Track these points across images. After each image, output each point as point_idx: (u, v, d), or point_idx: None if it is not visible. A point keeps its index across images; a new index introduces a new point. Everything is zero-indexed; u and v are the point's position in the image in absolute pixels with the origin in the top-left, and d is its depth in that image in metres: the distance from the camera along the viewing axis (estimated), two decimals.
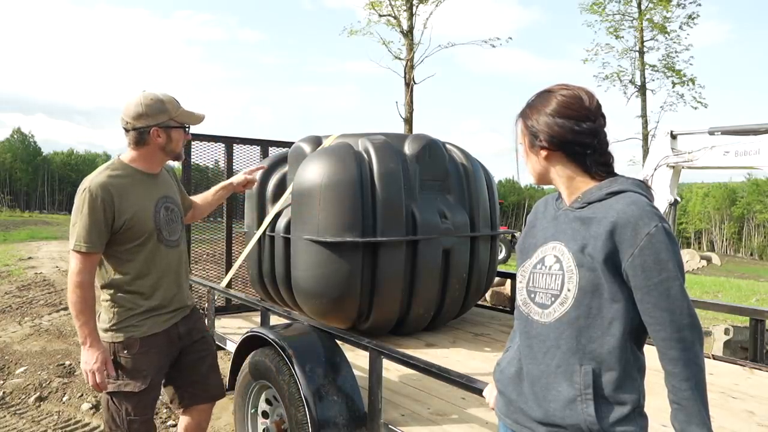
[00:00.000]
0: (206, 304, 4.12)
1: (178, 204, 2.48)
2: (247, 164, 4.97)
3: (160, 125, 2.26)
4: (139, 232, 2.24)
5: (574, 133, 1.38)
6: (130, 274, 2.25)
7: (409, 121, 15.00)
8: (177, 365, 2.47)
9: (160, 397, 2.48)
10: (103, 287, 2.29)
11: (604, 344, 1.31)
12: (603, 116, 1.42)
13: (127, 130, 2.27)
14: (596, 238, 1.31)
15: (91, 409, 4.48)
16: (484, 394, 1.75)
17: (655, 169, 5.39)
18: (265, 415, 2.99)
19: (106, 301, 2.27)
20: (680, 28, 19.19)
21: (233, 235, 4.88)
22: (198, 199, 2.83)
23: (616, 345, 1.31)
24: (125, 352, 2.25)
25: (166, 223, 2.35)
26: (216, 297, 4.10)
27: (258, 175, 2.95)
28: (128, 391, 2.24)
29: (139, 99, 2.25)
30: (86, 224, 2.13)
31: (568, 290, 1.33)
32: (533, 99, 1.47)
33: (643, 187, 1.38)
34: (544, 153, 1.42)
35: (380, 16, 15.55)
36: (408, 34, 15.44)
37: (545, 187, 1.60)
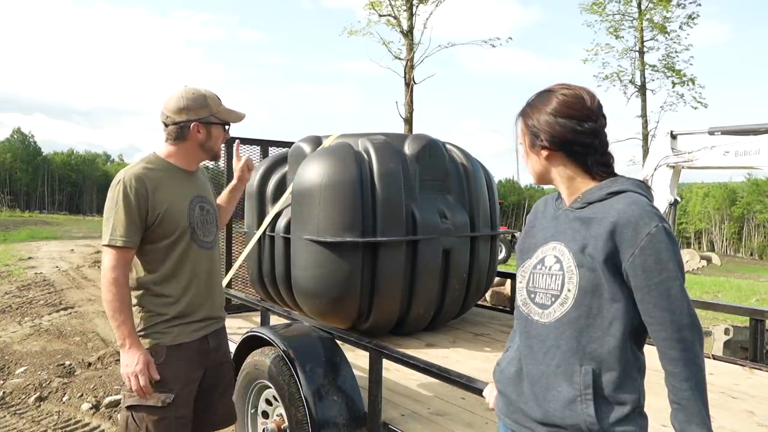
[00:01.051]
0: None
1: (213, 205, 2.37)
2: None
3: (201, 120, 2.17)
4: (171, 228, 2.12)
5: (575, 133, 1.37)
6: (160, 275, 2.12)
7: (409, 121, 15.00)
8: None
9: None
10: (131, 289, 2.14)
11: (605, 344, 1.31)
12: (604, 116, 1.41)
13: (166, 125, 2.18)
14: (596, 238, 1.31)
15: (91, 409, 4.48)
16: (484, 394, 1.75)
17: (655, 169, 5.40)
18: (265, 415, 2.99)
19: (133, 304, 2.13)
20: (680, 28, 19.20)
21: (233, 235, 4.88)
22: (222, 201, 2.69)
23: (616, 345, 1.31)
24: None
25: (201, 222, 2.24)
26: None
27: (240, 159, 2.61)
28: (151, 405, 2.05)
29: (181, 93, 2.18)
30: (122, 217, 2.02)
31: (569, 290, 1.33)
32: (534, 98, 1.46)
33: (643, 188, 1.38)
34: (544, 153, 1.42)
35: (380, 16, 15.55)
36: (408, 34, 15.44)
37: (545, 187, 1.59)
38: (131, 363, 2.01)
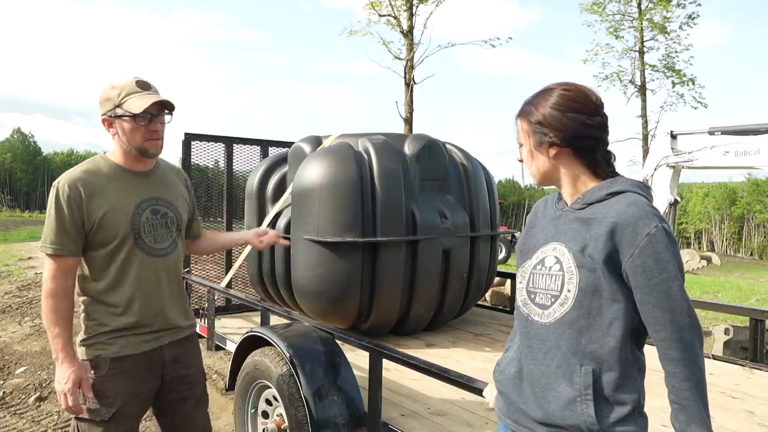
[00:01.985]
0: (206, 304, 4.12)
1: (176, 210, 2.14)
2: (247, 164, 4.98)
3: (109, 115, 1.96)
4: (111, 235, 1.96)
5: (586, 127, 1.37)
6: (103, 284, 1.98)
7: (409, 121, 15.00)
8: (157, 402, 2.15)
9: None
10: (78, 296, 2.03)
11: (605, 345, 1.31)
12: (606, 113, 1.42)
13: None
14: (596, 238, 1.31)
15: None
16: (484, 393, 1.75)
17: (655, 169, 5.39)
18: (265, 415, 2.99)
19: (81, 311, 2.02)
20: (680, 28, 19.19)
21: None
22: (209, 235, 2.51)
23: (616, 345, 1.31)
24: (92, 372, 1.96)
25: (150, 227, 2.03)
26: (216, 297, 4.10)
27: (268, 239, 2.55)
28: (91, 419, 1.95)
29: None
30: (52, 224, 1.91)
31: (569, 291, 1.33)
32: (535, 97, 1.44)
33: (643, 188, 1.38)
34: (553, 150, 1.39)
35: (380, 16, 15.54)
36: (408, 34, 15.42)
37: (545, 187, 1.59)
38: (61, 380, 1.89)
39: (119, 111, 1.94)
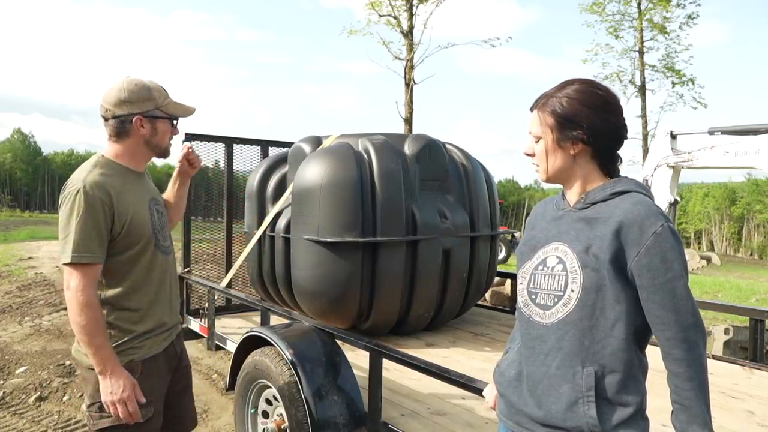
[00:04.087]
0: (206, 304, 4.12)
1: (165, 207, 2.23)
2: (248, 164, 4.98)
3: (145, 114, 1.96)
4: (137, 238, 1.96)
5: (615, 128, 1.38)
6: (126, 288, 1.96)
7: (409, 121, 14.99)
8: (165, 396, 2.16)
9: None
10: None
11: (608, 346, 1.31)
12: None
13: (106, 119, 1.97)
14: (602, 238, 1.30)
15: None
16: (484, 393, 1.75)
17: (655, 169, 5.39)
18: (265, 415, 2.99)
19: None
20: (680, 28, 19.17)
21: (233, 235, 4.88)
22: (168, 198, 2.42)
23: (619, 347, 1.30)
24: None
25: (161, 227, 2.09)
26: (216, 297, 4.10)
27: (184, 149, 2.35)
28: (133, 423, 1.92)
29: (122, 84, 1.96)
30: (85, 230, 1.82)
31: (572, 291, 1.32)
32: (562, 91, 1.38)
33: (645, 188, 1.39)
34: (578, 147, 1.38)
35: (380, 16, 15.53)
36: (408, 34, 15.42)
37: (545, 187, 1.58)
38: (116, 390, 1.85)
39: (158, 113, 2.00)
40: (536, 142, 1.44)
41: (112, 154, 2.01)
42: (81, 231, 1.83)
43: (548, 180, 1.46)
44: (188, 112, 2.11)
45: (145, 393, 1.94)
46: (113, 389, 1.85)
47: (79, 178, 1.90)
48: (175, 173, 2.38)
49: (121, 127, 1.96)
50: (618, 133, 1.39)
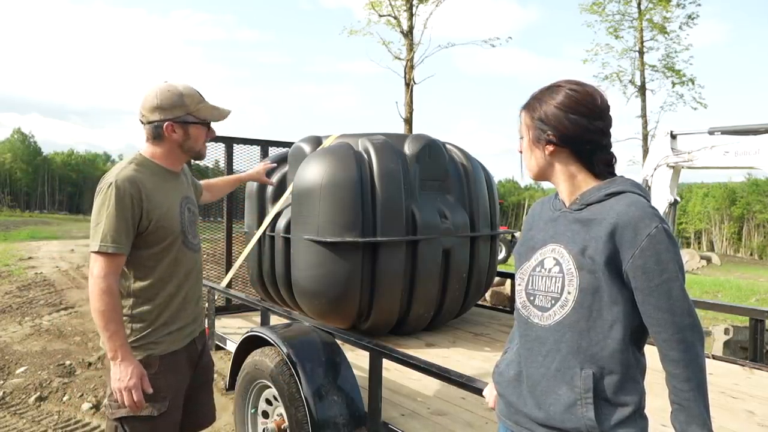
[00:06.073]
0: (206, 304, 4.12)
1: (196, 205, 2.33)
2: (247, 164, 4.98)
3: (177, 120, 2.06)
4: (166, 234, 2.03)
5: (585, 130, 1.36)
6: (150, 281, 2.03)
7: (409, 121, 15.00)
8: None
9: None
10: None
11: (605, 347, 1.31)
12: (610, 116, 1.41)
13: (143, 123, 2.09)
14: (597, 239, 1.30)
15: (91, 409, 4.48)
16: (483, 393, 1.75)
17: (655, 169, 5.39)
18: (265, 415, 2.99)
19: (123, 315, 2.01)
20: (680, 28, 19.19)
21: (233, 235, 4.88)
22: (209, 186, 2.71)
23: (616, 348, 1.30)
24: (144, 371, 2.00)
25: (190, 224, 2.17)
26: (216, 297, 4.10)
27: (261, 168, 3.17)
28: (145, 416, 1.97)
29: (156, 91, 2.05)
30: (114, 222, 1.90)
31: (569, 293, 1.32)
32: (541, 92, 1.43)
33: (641, 188, 1.38)
34: (550, 148, 1.39)
35: (380, 16, 15.55)
36: (408, 34, 15.43)
37: (545, 187, 1.59)
38: (124, 377, 1.90)
39: (190, 118, 2.09)
40: (521, 139, 1.50)
41: (148, 154, 2.12)
42: (110, 222, 1.91)
43: (534, 177, 1.49)
44: (222, 115, 2.18)
45: (161, 388, 1.99)
46: (121, 376, 1.91)
47: (114, 173, 2.00)
48: (239, 176, 2.86)
49: (155, 131, 2.07)
50: (590, 136, 1.37)
